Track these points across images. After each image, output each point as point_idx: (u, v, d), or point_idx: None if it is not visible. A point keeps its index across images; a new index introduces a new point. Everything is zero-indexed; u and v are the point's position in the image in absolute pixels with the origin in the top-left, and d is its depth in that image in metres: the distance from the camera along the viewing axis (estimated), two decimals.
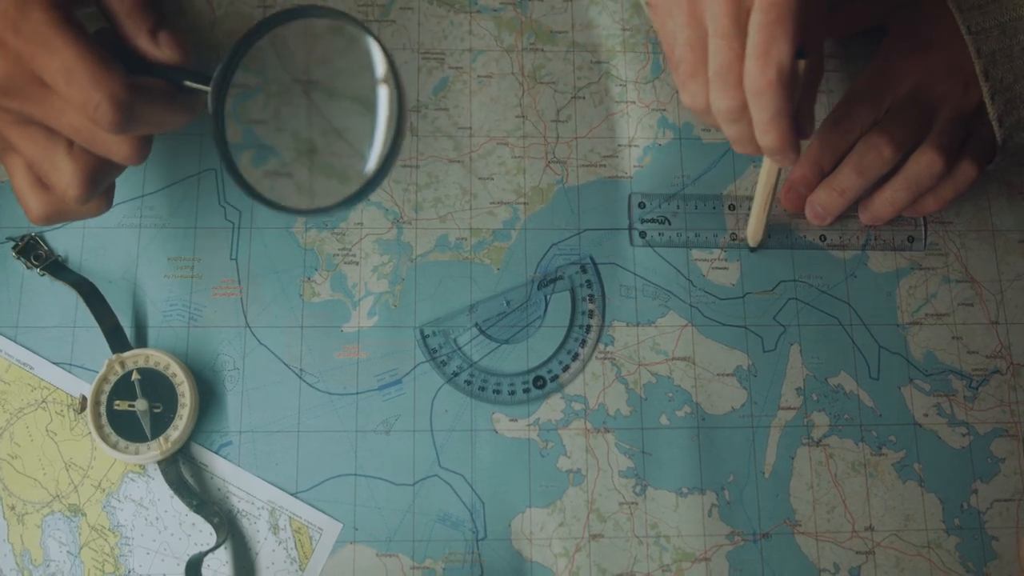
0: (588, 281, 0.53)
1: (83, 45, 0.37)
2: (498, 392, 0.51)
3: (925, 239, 0.56)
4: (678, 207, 0.55)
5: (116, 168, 0.42)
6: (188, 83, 0.41)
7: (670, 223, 0.54)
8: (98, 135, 0.39)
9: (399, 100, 0.39)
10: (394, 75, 0.39)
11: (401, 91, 0.39)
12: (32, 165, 0.41)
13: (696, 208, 0.55)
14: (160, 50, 0.41)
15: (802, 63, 0.38)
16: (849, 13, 0.56)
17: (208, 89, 0.40)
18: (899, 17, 0.54)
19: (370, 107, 0.40)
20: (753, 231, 0.53)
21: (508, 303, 0.52)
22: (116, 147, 0.40)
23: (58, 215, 0.43)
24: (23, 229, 0.52)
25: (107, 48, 0.38)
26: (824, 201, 0.53)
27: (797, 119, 0.40)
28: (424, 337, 0.52)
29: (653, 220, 0.54)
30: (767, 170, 0.48)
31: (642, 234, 0.54)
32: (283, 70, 0.43)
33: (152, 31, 0.41)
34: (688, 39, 0.42)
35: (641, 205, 0.54)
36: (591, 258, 0.53)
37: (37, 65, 0.37)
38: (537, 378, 0.52)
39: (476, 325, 0.52)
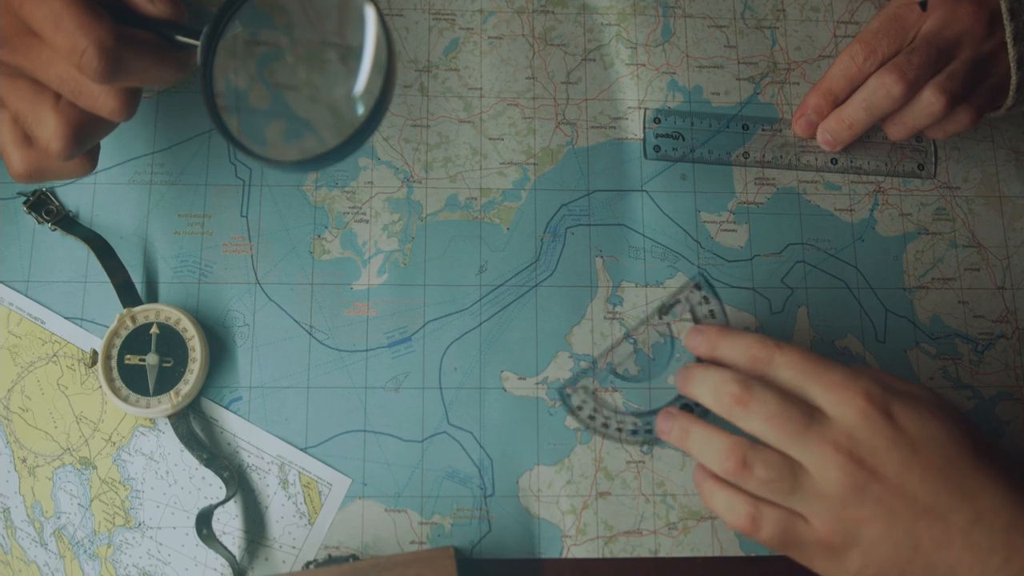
0: (705, 297, 0.52)
1: None
2: (635, 432, 0.51)
3: (935, 166, 0.56)
4: (692, 124, 0.55)
5: (102, 126, 0.42)
6: (179, 38, 0.41)
7: (684, 139, 0.55)
8: (84, 86, 0.39)
9: (388, 53, 0.38)
10: (385, 32, 0.38)
11: (391, 46, 0.38)
12: (17, 118, 0.40)
13: (710, 126, 0.55)
14: (154, 5, 0.41)
15: None
16: None
17: (198, 43, 0.40)
18: None
19: (357, 60, 0.39)
20: None
21: (635, 342, 0.52)
22: (103, 100, 0.39)
23: (40, 172, 0.42)
24: (34, 185, 0.52)
25: (99, 1, 0.38)
26: (833, 130, 0.54)
27: None
28: (566, 396, 0.51)
29: (667, 135, 0.54)
30: None
31: (656, 148, 0.54)
32: (287, 30, 0.42)
33: None
34: None
35: (656, 120, 0.55)
36: (703, 274, 0.53)
37: (25, 13, 0.37)
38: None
39: (611, 372, 0.52)
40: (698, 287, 0.52)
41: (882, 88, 0.51)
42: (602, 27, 0.57)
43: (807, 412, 0.42)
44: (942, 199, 0.56)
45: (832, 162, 0.55)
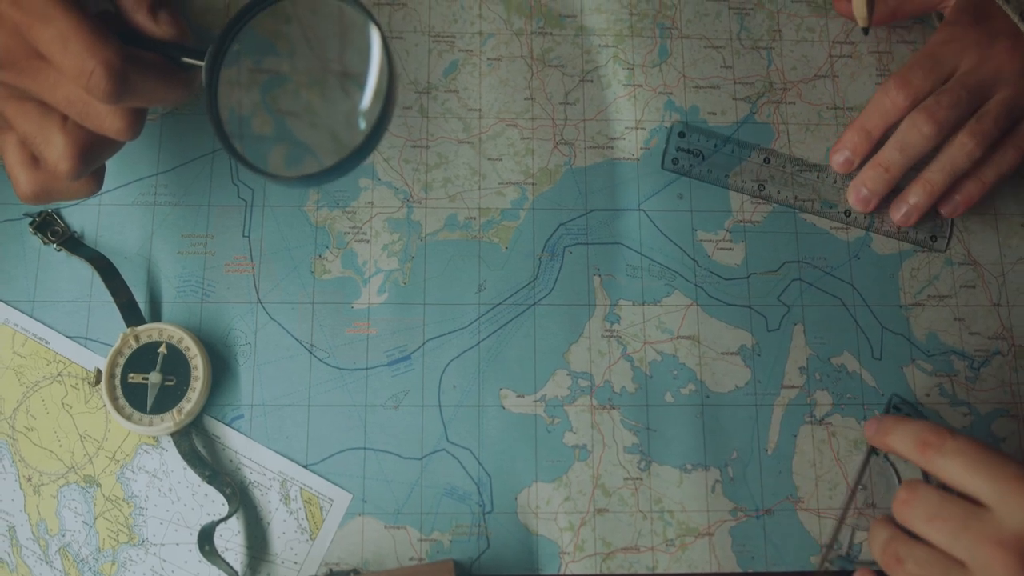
0: None
1: (79, 15, 0.37)
2: None
3: (948, 240, 0.56)
4: (716, 146, 0.56)
5: (109, 146, 0.43)
6: (185, 59, 0.42)
7: (704, 158, 0.55)
8: (92, 107, 0.39)
9: (389, 74, 0.39)
10: (385, 49, 0.39)
11: (392, 66, 0.39)
12: (25, 140, 0.41)
13: (732, 151, 0.56)
14: (159, 27, 0.41)
15: None
16: None
17: (203, 64, 0.41)
18: None
19: (359, 80, 0.40)
20: (859, 8, 0.52)
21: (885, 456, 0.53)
22: (109, 120, 0.40)
23: (47, 193, 0.43)
24: (40, 206, 0.53)
25: (106, 23, 0.39)
26: (871, 177, 0.53)
27: None
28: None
29: (688, 151, 0.55)
30: None
31: (675, 160, 0.55)
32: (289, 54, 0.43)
33: (151, 8, 0.42)
34: None
35: (681, 135, 0.55)
36: (906, 398, 0.54)
37: (33, 35, 0.37)
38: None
39: (844, 554, 0.52)
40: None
41: (913, 128, 0.51)
42: (599, 48, 0.58)
43: (968, 509, 0.41)
44: (937, 216, 0.56)
45: (846, 214, 0.56)
